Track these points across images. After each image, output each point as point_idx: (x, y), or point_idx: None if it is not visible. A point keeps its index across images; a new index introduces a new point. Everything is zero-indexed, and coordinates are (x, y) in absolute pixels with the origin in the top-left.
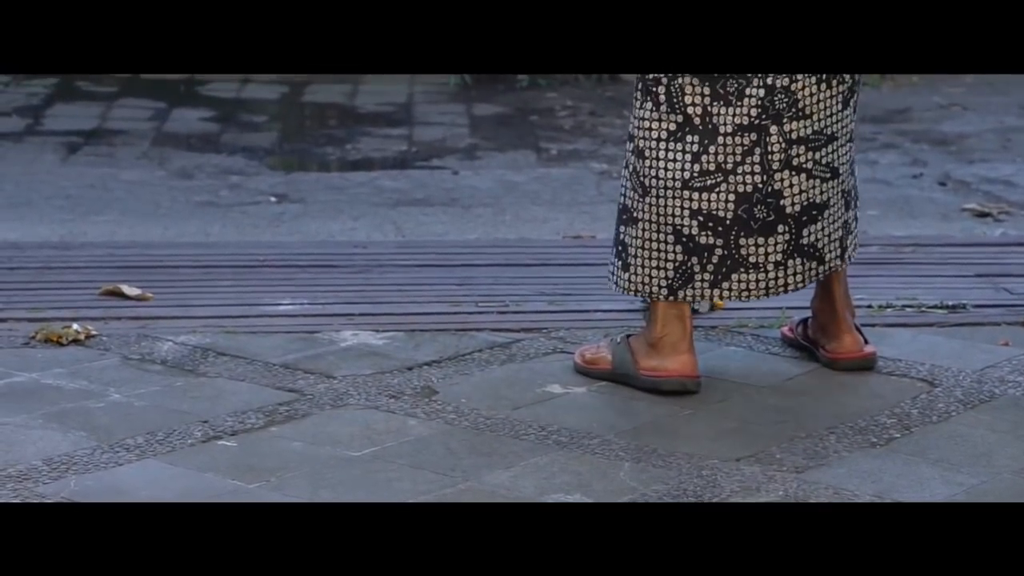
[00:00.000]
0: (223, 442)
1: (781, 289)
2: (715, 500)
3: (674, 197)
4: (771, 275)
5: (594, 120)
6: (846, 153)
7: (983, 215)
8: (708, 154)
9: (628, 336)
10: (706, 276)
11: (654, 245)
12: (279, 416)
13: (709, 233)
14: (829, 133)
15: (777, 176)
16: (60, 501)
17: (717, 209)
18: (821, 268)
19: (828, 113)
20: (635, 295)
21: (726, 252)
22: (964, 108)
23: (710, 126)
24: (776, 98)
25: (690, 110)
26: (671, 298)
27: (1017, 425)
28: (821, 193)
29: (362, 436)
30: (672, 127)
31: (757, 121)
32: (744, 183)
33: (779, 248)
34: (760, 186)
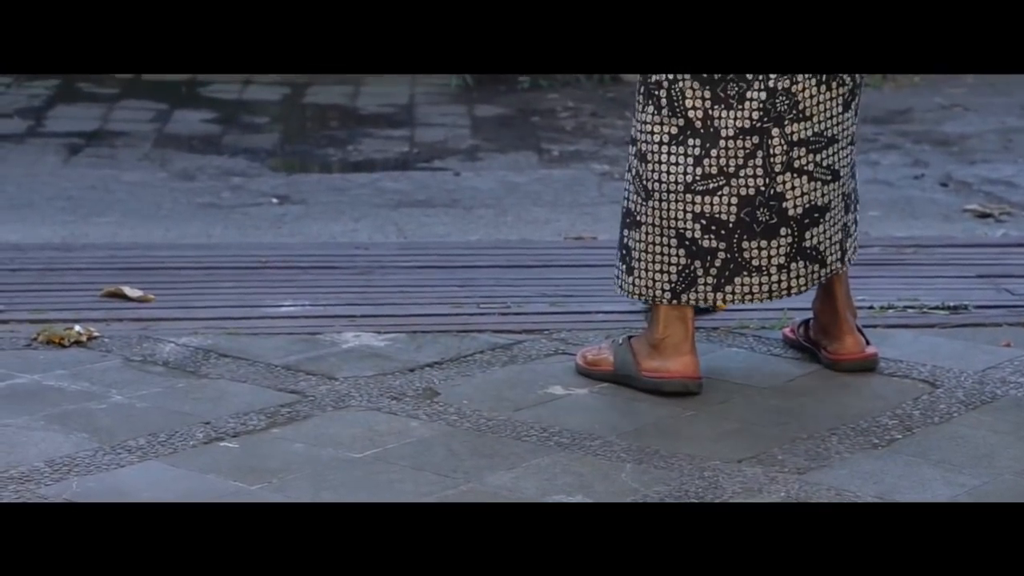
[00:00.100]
0: (225, 443)
1: (784, 292)
2: (717, 501)
3: (677, 201)
4: (774, 278)
5: (595, 121)
6: (847, 156)
7: (984, 216)
8: (710, 157)
9: (630, 337)
10: (709, 280)
11: (657, 249)
12: (281, 417)
13: (712, 236)
14: (830, 135)
15: (779, 179)
16: (63, 502)
17: (720, 212)
18: (823, 271)
19: (828, 115)
20: (639, 299)
21: (729, 255)
22: (965, 109)
23: (711, 129)
24: (777, 100)
25: (691, 114)
26: (674, 302)
27: (1019, 426)
28: (823, 196)
29: (364, 438)
30: (674, 131)
31: (759, 124)
32: (746, 186)
33: (782, 251)
34: (762, 189)
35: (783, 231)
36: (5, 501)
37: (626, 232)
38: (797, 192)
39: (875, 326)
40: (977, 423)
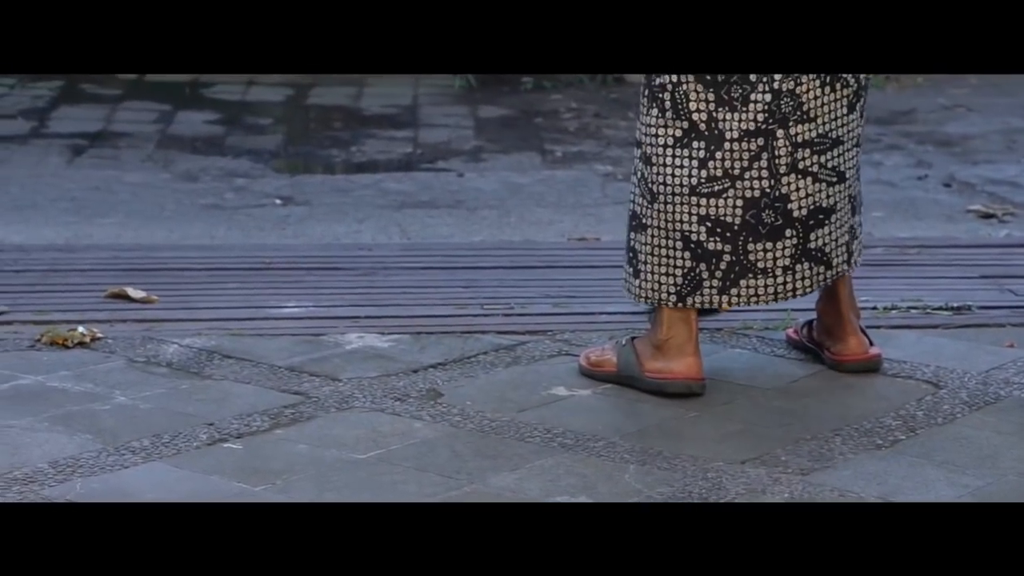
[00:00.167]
0: (229, 445)
1: (790, 294)
2: (721, 502)
3: (682, 203)
4: (779, 280)
5: (599, 122)
6: (852, 158)
7: (988, 216)
8: (715, 160)
9: (633, 338)
10: (714, 282)
11: (662, 251)
12: (284, 419)
13: (717, 239)
14: (834, 137)
15: (784, 180)
16: (66, 502)
17: (725, 215)
18: (829, 273)
19: (833, 116)
20: (645, 302)
21: (734, 258)
22: (969, 109)
23: (716, 132)
24: (782, 102)
25: (695, 116)
26: (680, 304)
27: (1022, 427)
28: (828, 197)
29: (367, 439)
30: (678, 133)
31: (764, 126)
32: (752, 188)
33: (787, 252)
34: (768, 191)
35: (788, 233)
36: (9, 502)
37: (632, 235)
38: (802, 194)
39: (878, 327)
40: (981, 424)
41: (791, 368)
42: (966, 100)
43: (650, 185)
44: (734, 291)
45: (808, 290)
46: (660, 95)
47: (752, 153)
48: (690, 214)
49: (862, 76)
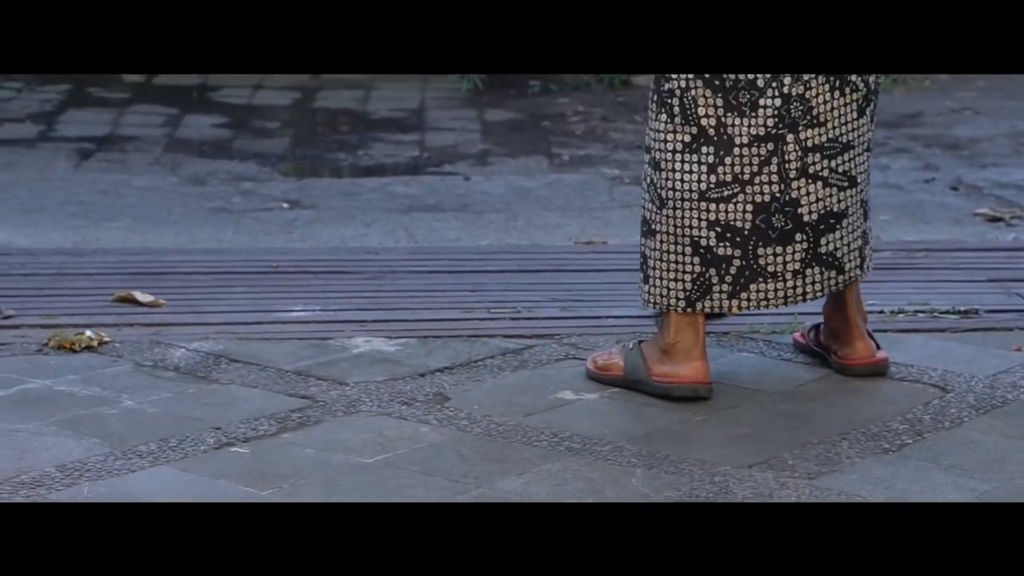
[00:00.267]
0: (236, 449)
1: (800, 298)
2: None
3: (691, 209)
4: (789, 284)
5: (606, 125)
6: (863, 162)
7: (995, 220)
8: (724, 165)
9: (640, 342)
10: (724, 287)
11: (672, 257)
12: (291, 423)
13: (727, 244)
14: (844, 141)
15: (794, 185)
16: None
17: (735, 220)
18: (841, 278)
19: (843, 121)
20: (654, 307)
21: (744, 262)
22: (976, 112)
23: (725, 137)
24: (792, 107)
25: (704, 121)
26: (689, 310)
27: None
28: (839, 202)
29: (374, 443)
30: (687, 139)
31: (774, 131)
32: (762, 193)
33: (797, 257)
34: (778, 195)
35: (798, 237)
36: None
37: (643, 241)
38: (812, 198)
39: (885, 331)
40: (988, 428)
41: (798, 372)
42: (973, 103)
43: (659, 191)
44: (744, 295)
45: (819, 294)
46: (669, 100)
47: (762, 158)
48: (699, 219)
49: (871, 80)
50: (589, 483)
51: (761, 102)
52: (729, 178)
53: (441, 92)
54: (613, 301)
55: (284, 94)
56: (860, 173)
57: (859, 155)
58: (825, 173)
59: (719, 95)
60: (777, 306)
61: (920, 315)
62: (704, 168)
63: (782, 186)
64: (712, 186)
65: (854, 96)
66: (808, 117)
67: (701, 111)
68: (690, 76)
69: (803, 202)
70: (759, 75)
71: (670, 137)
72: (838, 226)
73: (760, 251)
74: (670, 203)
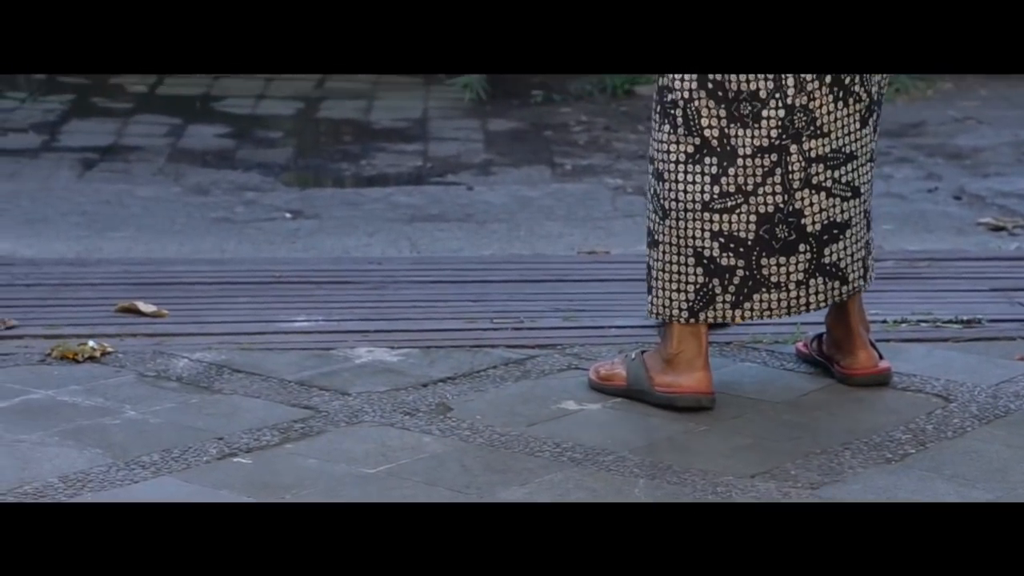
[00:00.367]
0: (238, 459)
1: (803, 308)
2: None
3: (694, 219)
4: (792, 294)
5: (608, 135)
6: (867, 173)
7: (998, 229)
8: (727, 176)
9: (643, 352)
10: (727, 297)
11: (675, 268)
12: (294, 433)
13: (730, 254)
14: (848, 152)
15: (797, 195)
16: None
17: (738, 230)
18: (844, 288)
19: (846, 132)
20: (657, 317)
21: (747, 273)
22: (979, 122)
23: (728, 148)
24: (795, 117)
25: (707, 132)
26: (692, 320)
27: None
28: (842, 212)
29: (377, 453)
30: (690, 149)
31: (777, 142)
32: (765, 204)
33: (800, 267)
34: (781, 206)
35: (802, 248)
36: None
37: (648, 251)
38: (816, 208)
39: (888, 340)
40: (991, 437)
41: (801, 382)
42: (976, 112)
43: (662, 201)
44: (747, 305)
45: (822, 304)
46: (672, 111)
47: (766, 169)
48: (703, 230)
49: (874, 91)
50: (592, 493)
51: (764, 113)
52: (732, 189)
53: (444, 102)
54: (616, 311)
55: (287, 104)
56: (863, 183)
57: (862, 165)
58: (828, 184)
59: (722, 106)
60: (780, 316)
61: (923, 325)
62: (707, 179)
63: (785, 197)
64: (715, 197)
65: (857, 107)
66: (811, 128)
67: (704, 122)
68: (693, 87)
69: (806, 213)
70: (762, 87)
71: (673, 148)
72: (841, 236)
73: (763, 261)
74: (673, 214)
